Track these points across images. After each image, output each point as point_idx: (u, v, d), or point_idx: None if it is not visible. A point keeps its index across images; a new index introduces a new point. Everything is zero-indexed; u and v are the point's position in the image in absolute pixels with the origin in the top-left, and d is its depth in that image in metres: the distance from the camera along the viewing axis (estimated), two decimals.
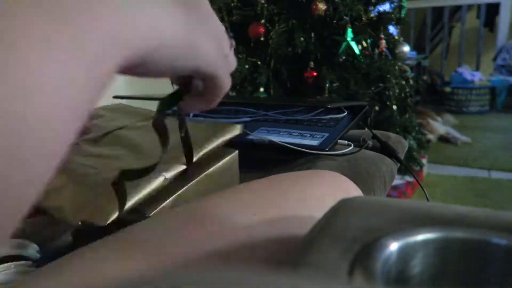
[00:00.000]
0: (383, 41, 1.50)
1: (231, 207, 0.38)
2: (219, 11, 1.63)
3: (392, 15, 1.50)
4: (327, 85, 1.45)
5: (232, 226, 0.35)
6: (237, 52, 1.55)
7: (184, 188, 0.45)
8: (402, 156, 0.78)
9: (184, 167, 0.46)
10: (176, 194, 0.44)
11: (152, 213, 0.41)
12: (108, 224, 0.39)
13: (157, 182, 0.44)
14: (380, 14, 1.51)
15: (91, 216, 0.40)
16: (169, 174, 0.45)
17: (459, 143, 2.69)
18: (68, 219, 0.42)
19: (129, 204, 0.41)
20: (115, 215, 0.40)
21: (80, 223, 0.40)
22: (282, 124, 0.73)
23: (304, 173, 0.49)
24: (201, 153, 0.49)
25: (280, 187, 0.42)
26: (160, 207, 0.42)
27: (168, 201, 0.43)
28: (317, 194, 0.43)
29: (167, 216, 0.38)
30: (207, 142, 0.50)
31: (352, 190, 0.49)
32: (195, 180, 0.47)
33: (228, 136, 0.54)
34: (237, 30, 1.61)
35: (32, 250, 0.41)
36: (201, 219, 0.36)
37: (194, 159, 0.47)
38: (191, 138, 0.44)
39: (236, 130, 0.55)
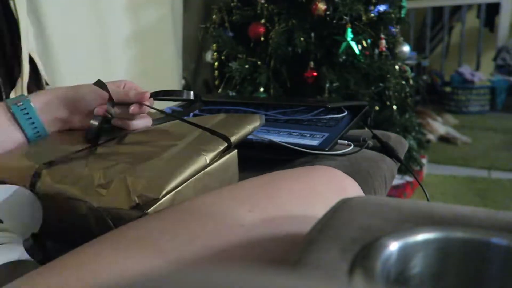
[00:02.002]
0: (383, 41, 1.50)
1: (228, 204, 0.38)
2: (219, 11, 1.63)
3: (392, 15, 1.50)
4: (327, 85, 1.44)
5: (228, 223, 0.35)
6: (237, 52, 1.55)
7: (182, 186, 0.45)
8: (402, 156, 0.78)
9: (221, 148, 0.51)
10: (174, 191, 0.44)
11: (150, 210, 0.41)
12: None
13: (199, 162, 0.47)
14: (380, 14, 1.50)
15: (145, 191, 0.42)
16: (209, 156, 0.49)
17: (459, 143, 2.68)
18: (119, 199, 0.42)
19: (172, 184, 0.43)
20: (169, 188, 0.43)
21: (136, 198, 0.41)
22: (282, 124, 0.73)
23: (300, 169, 0.49)
24: (238, 137, 0.54)
25: (276, 183, 0.42)
26: (159, 203, 0.42)
27: (166, 198, 0.43)
28: (312, 189, 0.43)
29: (165, 214, 0.38)
30: (239, 129, 0.55)
31: (349, 185, 0.49)
32: (194, 178, 0.47)
33: (255, 124, 0.58)
34: (237, 30, 1.61)
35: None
36: (197, 216, 0.36)
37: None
38: (225, 125, 0.55)
39: (261, 119, 0.60)
